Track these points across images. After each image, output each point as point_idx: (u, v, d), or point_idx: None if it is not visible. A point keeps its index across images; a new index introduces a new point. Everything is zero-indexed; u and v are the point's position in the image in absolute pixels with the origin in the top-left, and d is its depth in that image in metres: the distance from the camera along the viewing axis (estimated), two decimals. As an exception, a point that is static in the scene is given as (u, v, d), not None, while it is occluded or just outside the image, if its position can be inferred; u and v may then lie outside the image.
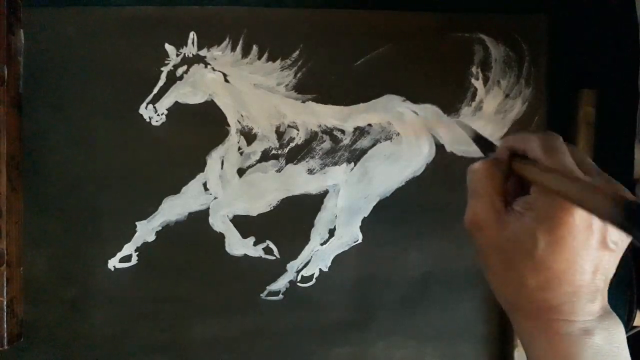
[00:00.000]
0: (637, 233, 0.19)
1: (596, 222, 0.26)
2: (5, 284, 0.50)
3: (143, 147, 0.53)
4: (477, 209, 0.29)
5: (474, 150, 0.54)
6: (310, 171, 0.53)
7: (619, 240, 0.27)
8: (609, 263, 0.28)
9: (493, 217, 0.28)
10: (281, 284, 0.54)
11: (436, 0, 0.54)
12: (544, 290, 0.26)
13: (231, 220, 0.53)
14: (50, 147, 0.52)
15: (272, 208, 0.53)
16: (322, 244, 0.54)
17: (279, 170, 0.53)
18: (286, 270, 0.54)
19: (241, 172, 0.53)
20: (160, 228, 0.53)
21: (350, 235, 0.54)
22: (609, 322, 0.27)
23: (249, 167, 0.53)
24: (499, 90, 0.54)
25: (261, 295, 0.53)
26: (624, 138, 0.55)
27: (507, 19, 0.54)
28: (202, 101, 0.53)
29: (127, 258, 0.53)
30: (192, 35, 0.52)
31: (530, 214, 0.27)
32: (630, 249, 0.55)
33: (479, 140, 0.36)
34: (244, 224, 0.53)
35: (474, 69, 0.54)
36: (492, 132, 0.54)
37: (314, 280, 0.54)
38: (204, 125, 0.53)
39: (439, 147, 0.54)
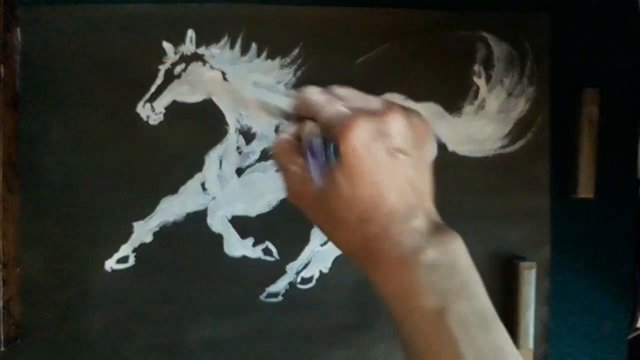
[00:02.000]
0: None
1: (372, 140, 0.26)
2: (1, 285, 0.49)
3: (140, 146, 0.52)
4: (288, 183, 0.30)
5: (477, 150, 0.53)
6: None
7: (404, 146, 0.27)
8: (410, 173, 0.27)
9: (301, 183, 0.29)
10: (281, 285, 0.53)
11: (438, -2, 0.54)
12: (363, 222, 0.26)
13: (230, 221, 0.53)
14: (47, 146, 0.52)
15: (271, 208, 0.53)
16: (322, 245, 0.53)
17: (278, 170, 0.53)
18: (286, 272, 0.53)
19: (240, 171, 0.53)
20: (157, 229, 0.52)
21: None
22: (443, 236, 0.27)
23: (248, 166, 0.53)
24: (502, 89, 0.54)
25: (260, 297, 0.53)
26: (627, 137, 0.55)
27: (510, 17, 0.53)
28: (200, 100, 0.52)
29: (124, 259, 0.52)
30: (191, 33, 0.52)
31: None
32: (635, 249, 0.54)
33: (285, 115, 0.35)
34: (242, 225, 0.53)
35: (476, 67, 0.53)
36: (495, 131, 0.53)
37: (314, 281, 0.53)
38: (202, 124, 0.52)
39: (441, 147, 0.53)
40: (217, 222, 0.53)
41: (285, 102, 0.32)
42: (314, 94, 0.29)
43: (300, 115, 0.30)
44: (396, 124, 0.26)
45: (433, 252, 0.26)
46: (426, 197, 0.28)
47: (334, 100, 0.28)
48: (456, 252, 0.27)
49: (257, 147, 0.53)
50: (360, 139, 0.25)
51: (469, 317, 0.25)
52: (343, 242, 0.29)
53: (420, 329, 0.26)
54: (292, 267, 0.53)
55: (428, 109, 0.53)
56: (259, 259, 0.53)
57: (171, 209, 0.52)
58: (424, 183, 0.28)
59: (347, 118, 0.26)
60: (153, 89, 0.52)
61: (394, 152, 0.26)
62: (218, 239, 0.53)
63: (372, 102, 0.28)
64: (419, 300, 0.25)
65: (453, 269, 0.26)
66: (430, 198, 0.28)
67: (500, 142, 0.54)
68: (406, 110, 0.28)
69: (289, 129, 0.31)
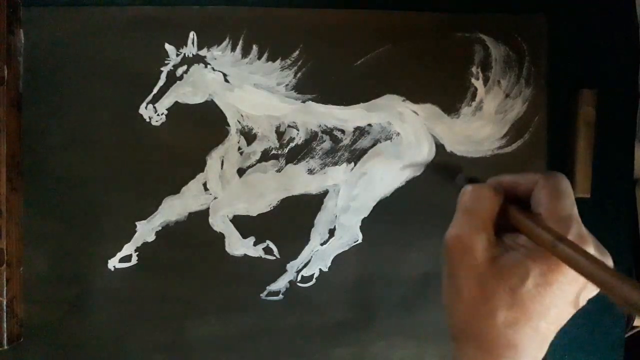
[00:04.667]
0: None
1: (581, 279, 0.25)
2: (5, 284, 0.50)
3: (143, 147, 0.52)
4: (467, 229, 0.28)
5: (475, 151, 0.54)
6: (310, 171, 0.53)
7: (589, 298, 0.27)
8: (568, 318, 0.27)
9: (484, 243, 0.27)
10: (281, 284, 0.54)
11: (436, 0, 0.54)
12: (510, 327, 0.26)
13: (231, 220, 0.53)
14: (50, 146, 0.52)
15: (272, 208, 0.53)
16: (322, 244, 0.54)
17: (279, 170, 0.53)
18: (286, 270, 0.54)
19: (241, 172, 0.53)
20: (160, 228, 0.53)
21: (350, 235, 0.54)
22: None
23: (249, 167, 0.53)
24: (499, 90, 0.54)
25: (261, 295, 0.53)
26: (624, 138, 0.55)
27: (507, 19, 0.54)
28: (202, 101, 0.53)
29: (127, 258, 0.53)
30: (192, 35, 0.52)
31: (524, 250, 0.27)
32: (631, 249, 0.55)
33: (441, 168, 0.35)
34: (244, 224, 0.53)
35: (474, 69, 0.54)
36: (493, 132, 0.54)
37: (314, 280, 0.54)
38: (203, 125, 0.53)
39: (439, 147, 0.54)
40: (219, 222, 0.53)
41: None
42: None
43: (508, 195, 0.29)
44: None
45: None
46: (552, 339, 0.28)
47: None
48: None
49: (258, 148, 0.53)
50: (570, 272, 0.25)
51: None
52: (469, 320, 0.27)
53: None
54: (292, 266, 0.54)
55: (426, 110, 0.54)
56: (259, 258, 0.53)
57: (173, 208, 0.53)
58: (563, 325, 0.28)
59: (583, 238, 0.26)
60: (155, 90, 0.52)
61: (579, 300, 0.27)
62: (219, 238, 0.53)
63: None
64: None
65: None
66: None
67: (497, 142, 0.54)
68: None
69: (499, 182, 0.29)
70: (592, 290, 0.27)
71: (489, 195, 0.28)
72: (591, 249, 0.26)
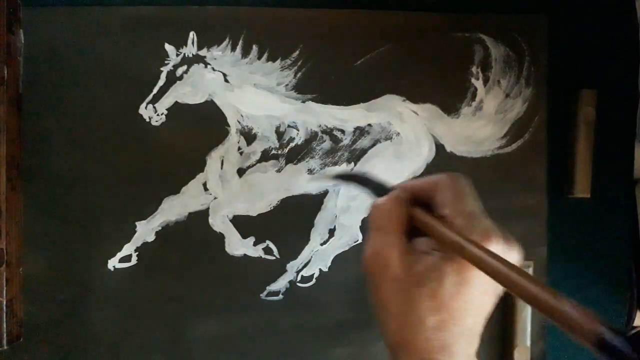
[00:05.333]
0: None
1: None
2: (4, 284, 0.50)
3: (143, 147, 0.52)
4: (381, 246, 0.28)
5: (475, 151, 0.54)
6: (310, 171, 0.53)
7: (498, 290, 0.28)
8: (491, 307, 0.28)
9: (398, 255, 0.28)
10: (281, 284, 0.54)
11: (436, 0, 0.54)
12: (440, 330, 0.27)
13: (231, 221, 0.53)
14: (50, 146, 0.52)
15: (272, 208, 0.53)
16: (322, 244, 0.54)
17: (279, 170, 0.53)
18: (286, 271, 0.54)
19: (241, 172, 0.53)
20: (160, 228, 0.53)
21: (350, 235, 0.54)
22: None
23: (249, 167, 0.53)
24: (499, 90, 0.54)
25: (261, 295, 0.53)
26: (623, 138, 0.55)
27: (507, 19, 0.54)
28: (202, 101, 0.53)
29: (127, 258, 0.53)
30: (192, 35, 0.52)
31: (437, 253, 0.27)
32: (631, 249, 0.55)
33: (373, 186, 0.35)
34: (243, 224, 0.53)
35: (474, 69, 0.54)
36: (493, 132, 0.54)
37: (314, 280, 0.54)
38: (203, 125, 0.53)
39: (439, 147, 0.54)
40: (219, 222, 0.53)
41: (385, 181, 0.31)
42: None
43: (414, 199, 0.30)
44: (514, 261, 0.27)
45: None
46: (481, 332, 0.29)
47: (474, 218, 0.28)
48: None
49: (258, 148, 0.53)
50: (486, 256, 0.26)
51: None
52: (400, 330, 0.28)
53: None
54: (292, 266, 0.54)
55: (426, 110, 0.54)
56: (259, 258, 0.53)
57: (173, 208, 0.53)
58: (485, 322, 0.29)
59: (487, 232, 0.26)
60: (155, 90, 0.52)
61: (499, 289, 0.27)
62: (219, 238, 0.53)
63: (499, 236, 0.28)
64: None
65: None
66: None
67: (497, 142, 0.54)
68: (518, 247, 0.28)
69: (396, 196, 0.30)
70: None
71: (394, 208, 0.29)
72: (496, 244, 0.26)
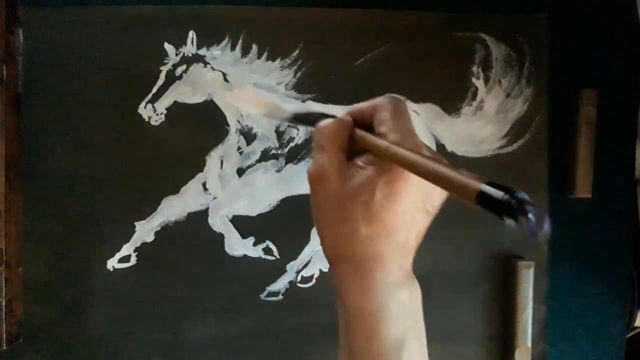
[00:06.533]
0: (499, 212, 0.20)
1: (425, 185, 0.27)
2: (4, 284, 0.50)
3: (142, 147, 0.52)
4: (321, 161, 0.30)
5: (475, 150, 0.54)
6: (310, 171, 0.53)
7: (437, 205, 0.29)
8: (425, 225, 0.30)
9: (337, 169, 0.29)
10: (281, 284, 0.53)
11: (437, 0, 0.54)
12: (373, 240, 0.28)
13: (231, 221, 0.53)
14: (49, 146, 0.52)
15: (272, 208, 0.53)
16: (322, 244, 0.53)
17: (278, 170, 0.53)
18: (286, 271, 0.53)
19: (241, 172, 0.53)
20: (159, 228, 0.53)
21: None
22: (413, 283, 0.30)
23: (249, 167, 0.53)
24: (500, 90, 0.54)
25: (261, 295, 0.53)
26: (624, 137, 0.55)
27: (508, 19, 0.54)
28: (201, 101, 0.53)
29: (126, 258, 0.53)
30: (192, 34, 0.52)
31: (372, 167, 0.29)
32: (632, 249, 0.55)
33: (302, 117, 0.37)
34: (243, 224, 0.53)
35: (474, 69, 0.54)
36: (493, 131, 0.54)
37: (314, 280, 0.54)
38: (203, 125, 0.53)
39: (440, 147, 0.54)
40: (218, 222, 0.53)
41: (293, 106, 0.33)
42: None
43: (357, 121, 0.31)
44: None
45: (406, 291, 0.29)
46: (419, 244, 0.30)
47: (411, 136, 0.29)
48: (417, 300, 0.31)
49: (257, 148, 0.53)
50: (420, 180, 0.26)
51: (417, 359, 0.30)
52: (336, 241, 0.30)
53: (377, 352, 0.29)
54: (292, 266, 0.53)
55: (427, 110, 0.53)
56: (259, 258, 0.53)
57: (172, 208, 0.53)
58: (424, 233, 0.30)
59: (417, 148, 0.27)
60: (155, 90, 0.52)
61: (427, 206, 0.29)
62: (219, 238, 0.53)
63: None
64: (386, 327, 0.29)
65: (414, 313, 0.30)
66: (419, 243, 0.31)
67: (498, 142, 0.54)
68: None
69: (341, 118, 0.32)
70: (438, 197, 0.29)
71: (334, 128, 0.31)
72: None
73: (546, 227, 0.19)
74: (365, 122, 0.31)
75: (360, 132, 0.31)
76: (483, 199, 0.21)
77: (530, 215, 0.20)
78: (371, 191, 0.28)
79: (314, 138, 0.32)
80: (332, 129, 0.31)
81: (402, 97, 0.31)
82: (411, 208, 0.28)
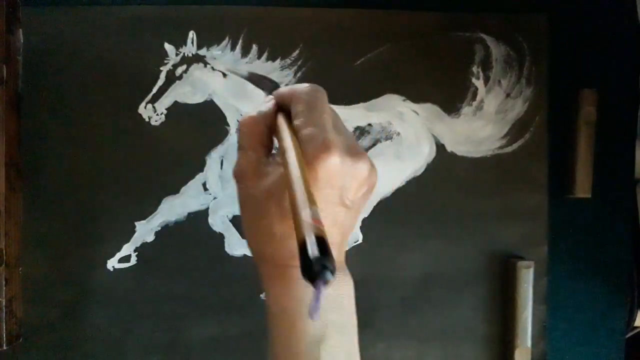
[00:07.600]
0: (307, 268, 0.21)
1: (336, 180, 0.26)
2: (4, 284, 0.50)
3: (142, 147, 0.52)
4: (241, 160, 0.30)
5: (475, 151, 0.54)
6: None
7: (355, 199, 0.28)
8: (347, 219, 0.29)
9: (253, 168, 0.29)
10: (281, 284, 0.53)
11: (436, 0, 0.54)
12: (288, 238, 0.27)
13: (231, 221, 0.53)
14: (49, 147, 0.52)
15: (271, 208, 0.53)
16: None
17: (278, 170, 0.53)
18: (286, 271, 0.53)
19: (241, 172, 0.53)
20: (159, 228, 0.53)
21: (350, 235, 0.53)
22: (342, 276, 0.30)
23: (249, 167, 0.53)
24: (500, 90, 0.54)
25: (261, 295, 0.53)
26: (624, 137, 0.55)
27: (508, 19, 0.54)
28: (201, 101, 0.53)
29: (126, 258, 0.53)
30: (192, 34, 0.52)
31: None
32: (631, 249, 0.55)
33: (258, 80, 0.37)
34: (243, 224, 0.53)
35: (474, 69, 0.54)
36: (493, 132, 0.54)
37: (313, 280, 0.54)
38: (203, 125, 0.53)
39: (439, 147, 0.54)
40: (218, 222, 0.53)
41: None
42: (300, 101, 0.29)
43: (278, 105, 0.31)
44: (361, 174, 0.28)
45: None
46: (344, 238, 0.30)
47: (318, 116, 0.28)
48: (345, 294, 0.30)
49: (257, 148, 0.53)
50: (328, 176, 0.26)
51: (339, 354, 0.29)
52: (255, 240, 0.30)
53: (297, 351, 0.28)
54: (292, 267, 0.53)
55: (426, 110, 0.53)
56: (259, 258, 0.53)
57: (173, 208, 0.53)
58: (351, 228, 0.30)
59: (327, 143, 0.26)
60: (155, 90, 0.52)
61: (344, 200, 0.28)
62: (219, 238, 0.53)
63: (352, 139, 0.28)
64: (304, 324, 0.28)
65: (339, 307, 0.29)
66: (346, 238, 0.30)
67: (498, 142, 0.54)
68: (370, 162, 0.29)
69: (260, 110, 0.31)
70: (354, 191, 0.28)
71: (252, 125, 0.30)
72: (335, 155, 0.26)
73: (317, 305, 0.20)
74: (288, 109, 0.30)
75: (279, 122, 0.30)
76: (302, 247, 0.21)
77: (321, 288, 0.20)
78: (283, 189, 0.27)
79: (237, 136, 0.31)
80: (247, 125, 0.30)
81: (321, 88, 0.30)
82: (328, 205, 0.27)
